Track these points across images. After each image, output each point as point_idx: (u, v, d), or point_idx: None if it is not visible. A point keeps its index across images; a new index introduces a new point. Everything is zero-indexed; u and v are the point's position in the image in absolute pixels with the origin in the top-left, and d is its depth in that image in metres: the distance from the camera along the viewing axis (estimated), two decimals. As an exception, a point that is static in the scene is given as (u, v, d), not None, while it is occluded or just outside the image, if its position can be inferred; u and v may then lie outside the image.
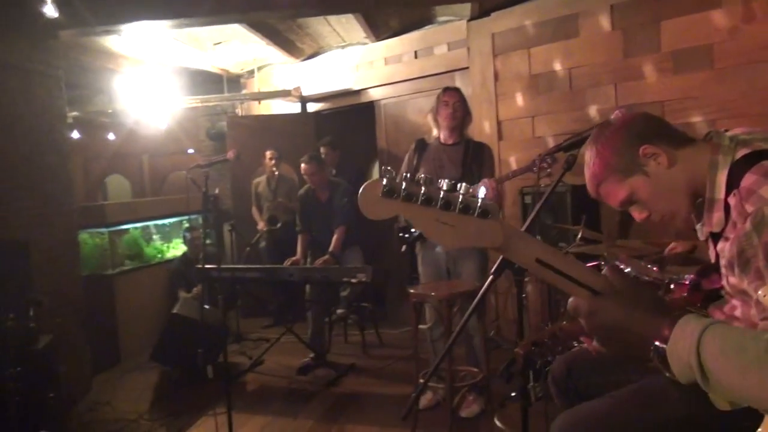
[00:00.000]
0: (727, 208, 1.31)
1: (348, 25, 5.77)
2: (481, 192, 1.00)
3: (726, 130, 1.43)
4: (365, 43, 6.24)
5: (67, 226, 4.50)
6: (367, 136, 6.57)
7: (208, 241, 5.73)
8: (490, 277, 1.98)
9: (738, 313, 1.40)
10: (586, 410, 1.64)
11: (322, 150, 5.93)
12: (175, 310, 4.95)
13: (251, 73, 7.32)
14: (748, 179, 1.25)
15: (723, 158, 1.34)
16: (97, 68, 6.20)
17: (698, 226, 1.45)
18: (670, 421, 1.52)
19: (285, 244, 5.56)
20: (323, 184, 4.98)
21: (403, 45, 5.93)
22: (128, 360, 5.34)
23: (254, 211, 6.41)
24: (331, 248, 4.79)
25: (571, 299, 1.10)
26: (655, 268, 2.62)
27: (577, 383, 1.88)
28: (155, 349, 4.74)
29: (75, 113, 7.24)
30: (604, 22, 4.27)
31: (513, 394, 3.39)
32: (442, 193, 0.97)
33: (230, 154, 4.26)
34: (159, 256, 6.40)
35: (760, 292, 1.14)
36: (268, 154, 6.19)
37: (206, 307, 4.73)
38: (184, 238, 6.11)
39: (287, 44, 6.24)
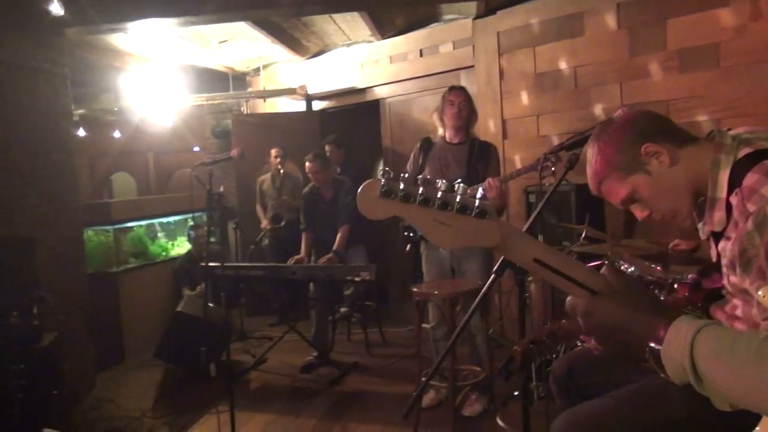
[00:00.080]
0: (728, 207, 1.30)
1: (353, 23, 5.77)
2: (479, 192, 0.99)
3: (729, 129, 1.42)
4: (371, 42, 6.24)
5: (73, 224, 4.52)
6: (372, 134, 6.57)
7: (212, 239, 5.74)
8: (492, 276, 1.99)
9: (739, 312, 1.39)
10: (587, 410, 1.64)
11: (327, 148, 5.94)
12: (179, 308, 4.96)
13: (257, 71, 7.32)
14: (750, 178, 1.24)
15: (725, 157, 1.33)
16: (103, 66, 6.21)
17: (700, 225, 1.44)
18: (670, 421, 1.52)
19: (289, 242, 5.56)
20: (328, 183, 4.98)
21: (409, 43, 5.92)
22: (132, 357, 5.36)
23: (258, 209, 6.42)
24: (335, 247, 4.79)
25: (569, 298, 1.10)
26: (658, 268, 2.61)
27: (578, 383, 1.87)
28: (159, 346, 4.75)
29: (81, 111, 7.28)
30: (610, 20, 4.25)
31: (516, 393, 3.38)
32: (439, 193, 0.97)
33: (234, 152, 4.27)
34: (164, 253, 6.42)
35: (759, 293, 1.14)
36: (273, 152, 6.20)
37: (210, 305, 4.74)
38: (189, 236, 6.13)
39: (293, 42, 6.24)
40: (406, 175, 0.99)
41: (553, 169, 3.01)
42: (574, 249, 3.37)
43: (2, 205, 3.92)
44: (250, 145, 6.48)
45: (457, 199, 0.97)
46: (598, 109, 4.33)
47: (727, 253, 1.34)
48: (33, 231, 4.02)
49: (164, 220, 6.66)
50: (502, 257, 1.27)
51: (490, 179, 3.44)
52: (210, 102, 7.26)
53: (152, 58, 6.45)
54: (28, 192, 4.10)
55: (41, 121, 4.24)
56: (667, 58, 4.01)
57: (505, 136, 4.89)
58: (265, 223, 6.27)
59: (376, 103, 6.39)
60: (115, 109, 7.41)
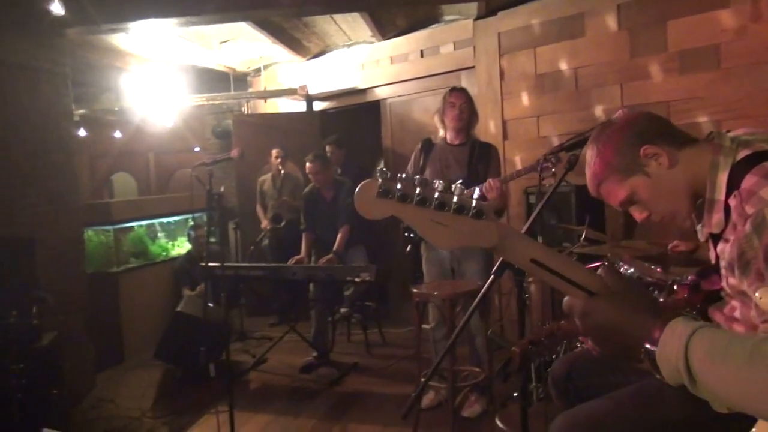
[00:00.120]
0: (727, 209, 1.30)
1: (354, 24, 5.77)
2: (476, 193, 1.00)
3: (728, 131, 1.42)
4: (371, 42, 6.24)
5: (73, 224, 4.52)
6: (373, 134, 6.57)
7: (212, 240, 5.74)
8: (491, 276, 1.99)
9: (738, 314, 1.39)
10: (585, 411, 1.63)
11: (327, 148, 5.94)
12: (179, 308, 4.96)
13: (257, 71, 7.33)
14: (748, 180, 1.24)
15: (724, 159, 1.33)
16: (104, 66, 6.22)
17: (698, 227, 1.44)
18: (668, 423, 1.52)
19: (289, 242, 5.56)
20: (328, 183, 4.98)
21: (410, 44, 5.92)
22: (132, 357, 5.36)
23: (258, 209, 6.42)
24: (335, 247, 4.79)
25: (565, 299, 1.10)
26: (658, 269, 2.61)
27: (577, 384, 1.87)
28: (159, 346, 4.75)
29: (82, 111, 7.29)
30: (611, 21, 4.25)
31: (515, 394, 3.38)
32: (436, 193, 0.97)
33: (234, 153, 4.26)
34: (164, 254, 6.42)
35: (757, 294, 1.13)
36: (274, 152, 6.20)
37: (210, 305, 4.74)
38: (189, 236, 6.13)
39: (293, 43, 6.25)
40: (404, 175, 0.99)
41: (553, 170, 3.01)
42: (574, 250, 3.37)
43: (2, 204, 3.92)
44: (250, 146, 6.48)
45: (454, 200, 0.97)
46: (599, 111, 4.32)
47: (725, 256, 1.34)
48: (33, 231, 4.02)
49: (164, 220, 6.66)
50: (501, 258, 1.26)
51: (490, 180, 3.44)
52: (211, 102, 7.27)
53: (153, 58, 6.45)
54: (28, 192, 4.10)
55: (42, 121, 4.24)
56: (667, 59, 4.01)
57: (505, 136, 4.89)
58: (265, 224, 6.27)
59: (376, 104, 6.39)
60: (116, 109, 7.41)
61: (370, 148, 6.90)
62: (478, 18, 5.03)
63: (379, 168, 1.01)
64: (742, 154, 1.31)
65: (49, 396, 3.42)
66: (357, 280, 4.37)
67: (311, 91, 6.85)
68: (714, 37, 3.80)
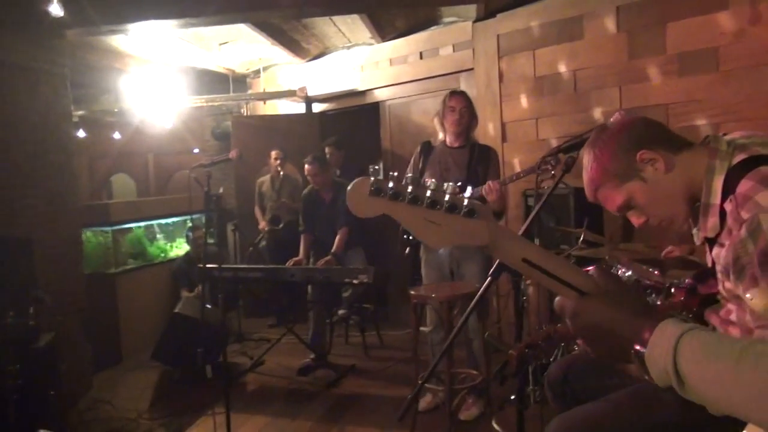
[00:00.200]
0: (722, 213, 1.30)
1: (353, 26, 5.77)
2: (468, 191, 0.99)
3: (725, 134, 1.42)
4: (371, 44, 6.24)
5: (71, 225, 4.52)
6: (372, 136, 6.57)
7: (210, 241, 5.74)
8: (488, 278, 1.98)
9: (733, 317, 1.39)
10: (581, 413, 1.63)
11: (327, 150, 5.94)
12: (177, 310, 4.96)
13: (257, 73, 7.33)
14: (744, 185, 1.24)
15: (720, 163, 1.33)
16: (104, 67, 6.22)
17: (694, 231, 1.44)
18: (664, 425, 1.51)
19: (287, 244, 5.56)
20: (327, 185, 4.97)
21: (409, 46, 5.92)
22: (130, 359, 5.36)
23: (257, 210, 6.42)
24: (333, 249, 4.78)
25: (557, 299, 1.10)
26: (656, 272, 2.60)
27: (574, 387, 1.87)
28: (156, 348, 4.75)
29: (81, 112, 7.29)
30: (610, 23, 4.25)
31: (512, 397, 3.38)
32: (428, 192, 0.97)
33: (233, 154, 4.28)
34: (162, 255, 6.42)
35: (748, 295, 1.13)
36: (273, 154, 6.20)
37: (208, 306, 4.73)
38: (187, 237, 6.12)
39: (293, 44, 6.25)
40: (396, 174, 0.99)
41: (553, 172, 3.01)
42: (572, 252, 3.37)
43: (1, 205, 3.92)
44: (249, 147, 6.48)
45: (446, 198, 0.97)
46: (598, 113, 4.32)
47: (721, 260, 1.34)
48: (31, 231, 4.02)
49: (163, 221, 6.66)
50: (498, 260, 1.26)
51: (490, 182, 3.44)
52: (210, 104, 7.27)
53: (152, 59, 6.45)
54: (27, 192, 4.10)
55: (41, 121, 4.24)
56: (666, 61, 4.01)
57: (504, 139, 4.88)
58: (262, 225, 6.27)
59: (375, 106, 6.39)
60: (115, 110, 7.41)
61: (370, 149, 6.90)
62: (477, 20, 5.02)
63: (371, 167, 1.01)
64: (738, 158, 1.31)
65: (46, 397, 3.41)
66: (355, 282, 4.36)
67: (310, 93, 6.85)
68: (713, 40, 3.79)
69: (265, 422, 3.85)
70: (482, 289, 2.01)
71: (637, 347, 1.00)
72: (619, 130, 1.48)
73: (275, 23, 5.57)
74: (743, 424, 1.11)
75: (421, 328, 3.62)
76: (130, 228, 6.09)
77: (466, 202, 0.97)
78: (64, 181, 4.46)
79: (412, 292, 3.43)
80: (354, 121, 7.04)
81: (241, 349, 5.41)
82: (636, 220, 1.50)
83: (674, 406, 1.44)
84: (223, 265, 4.87)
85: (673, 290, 2.35)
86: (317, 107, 7.07)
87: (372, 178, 0.98)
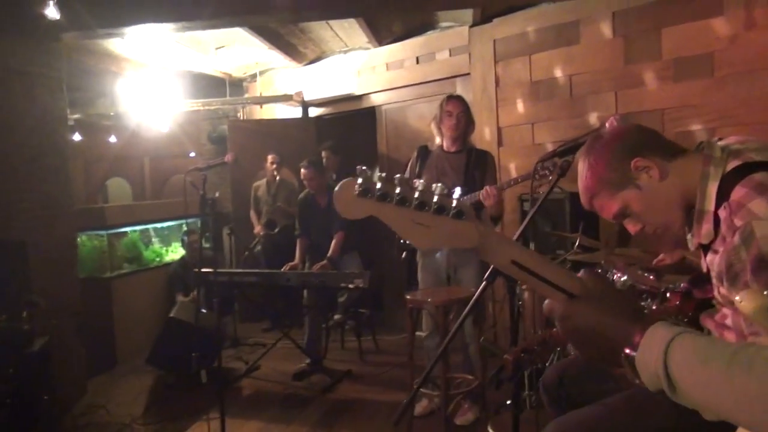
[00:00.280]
0: (716, 220, 1.30)
1: (350, 30, 5.77)
2: (457, 192, 0.98)
3: (719, 139, 1.42)
4: (367, 48, 6.24)
5: (67, 228, 4.50)
6: (369, 141, 6.56)
7: (206, 245, 5.72)
8: (483, 283, 1.98)
9: (729, 321, 1.39)
10: (576, 418, 1.63)
11: (323, 154, 5.93)
12: (172, 314, 4.94)
13: (253, 77, 7.33)
14: (737, 192, 1.24)
15: (714, 170, 1.33)
16: (100, 71, 6.21)
17: (689, 237, 1.44)
18: (659, 430, 1.51)
19: (283, 248, 5.55)
20: (322, 189, 4.97)
21: (405, 50, 5.93)
22: (124, 363, 5.33)
23: (252, 214, 6.42)
24: (329, 253, 4.77)
25: (546, 302, 1.08)
26: (651, 277, 2.60)
27: (569, 391, 1.86)
28: (151, 352, 4.73)
29: (77, 116, 7.26)
30: (605, 29, 4.26)
31: (508, 402, 3.37)
32: (417, 193, 0.96)
33: (228, 157, 4.26)
34: (158, 259, 6.40)
35: (737, 298, 1.13)
36: (269, 158, 6.20)
37: (203, 311, 4.72)
38: (183, 241, 6.11)
39: (289, 48, 6.25)
40: (384, 175, 0.97)
41: (551, 177, 3.01)
42: (567, 257, 3.37)
43: (-4, 208, 3.91)
44: (246, 151, 6.47)
45: (435, 200, 0.96)
46: (593, 118, 4.33)
47: (715, 267, 1.34)
48: (26, 235, 4.00)
49: (158, 225, 6.64)
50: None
51: (487, 187, 3.44)
52: (206, 108, 7.26)
53: (149, 63, 6.44)
54: (22, 196, 4.08)
55: (37, 125, 4.22)
56: (661, 67, 4.02)
57: (500, 143, 4.89)
58: (258, 229, 6.26)
59: (372, 110, 6.39)
60: (111, 114, 7.39)
61: (366, 154, 6.88)
62: (473, 25, 5.04)
63: (359, 167, 0.99)
64: (732, 164, 1.31)
65: (39, 401, 3.39)
66: (351, 286, 4.35)
67: (307, 97, 6.84)
68: (708, 45, 3.81)
69: (260, 427, 3.84)
70: (477, 293, 2.01)
71: (627, 351, 0.99)
72: (612, 139, 1.48)
73: (272, 27, 5.57)
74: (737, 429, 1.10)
75: (417, 333, 3.62)
76: (126, 232, 6.07)
77: (454, 203, 0.96)
78: (60, 184, 4.45)
79: (408, 297, 3.42)
80: (350, 126, 7.04)
81: (236, 354, 5.39)
82: (632, 227, 1.50)
83: (669, 411, 1.44)
84: (219, 270, 4.86)
85: (668, 295, 2.35)
86: (314, 111, 7.06)
87: (359, 179, 0.96)
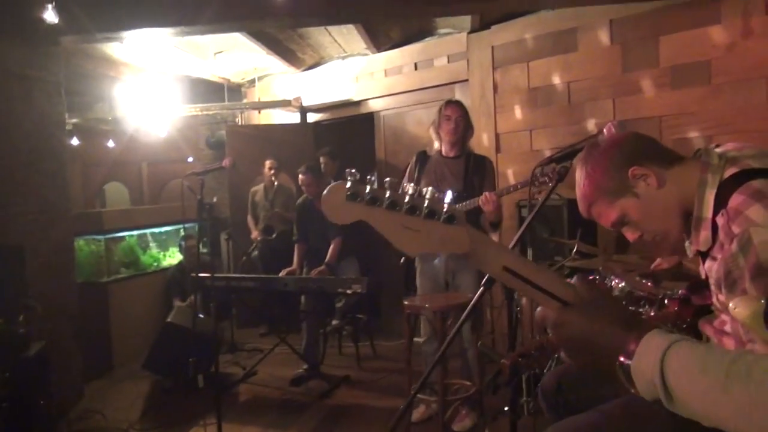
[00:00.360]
0: (714, 227, 1.30)
1: (349, 36, 5.79)
2: (448, 196, 0.97)
3: (717, 146, 1.43)
4: (366, 54, 6.26)
5: (64, 233, 4.48)
6: (367, 147, 6.57)
7: (204, 250, 5.71)
8: (481, 288, 1.98)
9: (728, 328, 1.39)
10: (574, 424, 1.62)
11: (321, 160, 5.94)
12: (169, 319, 4.93)
13: (252, 82, 7.34)
14: (735, 199, 1.25)
15: (711, 177, 1.33)
16: (98, 75, 6.21)
17: (687, 244, 1.44)
18: (658, 437, 1.50)
19: (280, 253, 5.54)
20: (320, 195, 4.95)
21: (404, 56, 5.94)
22: (121, 368, 5.32)
23: (249, 219, 6.42)
24: (327, 259, 4.77)
25: (538, 309, 1.07)
26: (649, 283, 2.60)
27: (568, 397, 1.86)
28: (148, 357, 4.71)
29: (75, 120, 7.26)
30: (603, 36, 4.28)
31: (506, 408, 3.37)
32: (407, 197, 0.94)
33: (226, 162, 4.25)
34: (155, 264, 6.38)
35: (731, 305, 1.12)
36: (267, 163, 6.20)
37: (200, 316, 4.71)
38: (180, 246, 6.10)
39: (288, 54, 6.26)
40: (373, 178, 0.96)
41: (550, 184, 3.02)
42: (565, 264, 3.37)
43: (-7, 212, 3.90)
44: (244, 156, 6.47)
45: (425, 204, 0.94)
46: (591, 125, 4.34)
47: (713, 274, 1.34)
48: (23, 239, 3.99)
49: (156, 230, 6.63)
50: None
51: (486, 193, 3.44)
52: (205, 113, 7.27)
53: (147, 67, 6.45)
54: (19, 200, 4.07)
55: (34, 129, 4.22)
56: (659, 74, 4.04)
57: (498, 150, 4.90)
58: (255, 234, 6.25)
59: (370, 116, 6.40)
60: (110, 118, 7.39)
61: (364, 160, 6.89)
62: (471, 31, 5.05)
63: (347, 170, 0.96)
64: (730, 171, 1.31)
65: (35, 406, 3.37)
66: (348, 292, 4.35)
67: (305, 103, 6.86)
68: (705, 53, 3.83)
69: (257, 433, 3.83)
70: (475, 298, 2.01)
71: (622, 359, 0.98)
72: (610, 147, 1.49)
73: (270, 33, 5.58)
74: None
75: (415, 339, 3.61)
76: (123, 236, 6.06)
77: (446, 207, 0.94)
78: (57, 188, 4.44)
79: (406, 302, 3.42)
80: (348, 132, 7.05)
81: (233, 359, 5.38)
82: (630, 235, 1.50)
83: (667, 417, 1.43)
84: (216, 275, 4.85)
85: (666, 301, 2.35)
86: (312, 117, 7.07)
87: (348, 183, 0.95)
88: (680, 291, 1.80)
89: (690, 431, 1.29)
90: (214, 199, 7.20)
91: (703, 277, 1.46)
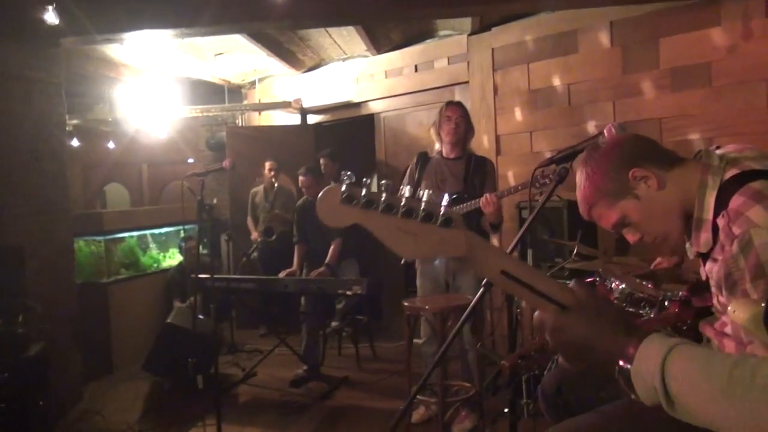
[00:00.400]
0: (715, 229, 1.30)
1: (349, 38, 5.79)
2: (445, 199, 0.95)
3: (717, 148, 1.43)
4: (366, 56, 6.26)
5: (64, 234, 4.48)
6: (367, 148, 6.57)
7: (204, 251, 5.71)
8: (481, 289, 1.98)
9: (728, 330, 1.39)
10: (573, 425, 1.62)
11: (321, 161, 5.93)
12: (169, 320, 4.92)
13: (252, 84, 7.34)
14: (735, 201, 1.24)
15: (712, 179, 1.33)
16: (99, 76, 6.21)
17: (687, 245, 1.44)
18: (658, 439, 1.50)
19: (280, 254, 5.54)
20: (320, 196, 4.95)
21: (404, 58, 5.94)
22: (121, 369, 5.31)
23: (249, 221, 6.41)
24: (327, 260, 4.77)
25: (536, 314, 1.06)
26: (649, 285, 2.60)
27: (567, 398, 1.86)
28: (148, 358, 4.71)
29: (75, 121, 7.26)
30: (604, 38, 4.28)
31: (506, 410, 3.36)
32: (403, 200, 0.92)
33: (226, 163, 4.25)
34: (155, 265, 6.38)
35: (729, 308, 1.12)
36: (267, 165, 6.20)
37: (200, 317, 4.70)
38: (180, 247, 6.09)
39: (288, 56, 6.26)
40: (369, 181, 0.95)
41: (551, 186, 3.01)
42: (566, 265, 3.37)
43: (-7, 213, 3.90)
44: (244, 158, 6.47)
45: (422, 207, 0.92)
46: (591, 126, 4.34)
47: (714, 275, 1.34)
48: (23, 240, 3.99)
49: (156, 231, 6.62)
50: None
51: (487, 195, 3.44)
52: (205, 114, 7.26)
53: (148, 69, 6.45)
54: (19, 201, 4.08)
55: (34, 130, 4.22)
56: (659, 76, 4.04)
57: (498, 152, 4.90)
58: (254, 236, 6.25)
59: (370, 118, 6.40)
60: (110, 119, 7.39)
61: (364, 161, 6.90)
62: (472, 33, 5.06)
63: (343, 172, 0.95)
64: (730, 173, 1.31)
65: (34, 407, 3.37)
66: (348, 293, 4.34)
67: (305, 104, 6.86)
68: (705, 55, 3.83)
69: (256, 434, 3.82)
70: (475, 299, 2.01)
71: (622, 363, 0.98)
72: (610, 149, 1.48)
73: (271, 34, 5.58)
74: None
75: (415, 341, 3.61)
76: (123, 237, 6.05)
77: (443, 210, 0.92)
78: (57, 189, 4.44)
79: (406, 304, 3.42)
80: (349, 133, 7.05)
81: (233, 360, 5.37)
82: (631, 237, 1.50)
83: (667, 419, 1.44)
84: (216, 276, 4.85)
85: (666, 303, 2.35)
86: (312, 119, 7.08)
87: (344, 186, 0.93)
88: (681, 293, 1.80)
89: (690, 432, 1.30)
90: (214, 201, 7.20)
91: (704, 278, 1.46)
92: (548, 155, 4.50)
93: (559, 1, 4.31)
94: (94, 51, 5.63)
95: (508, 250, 2.06)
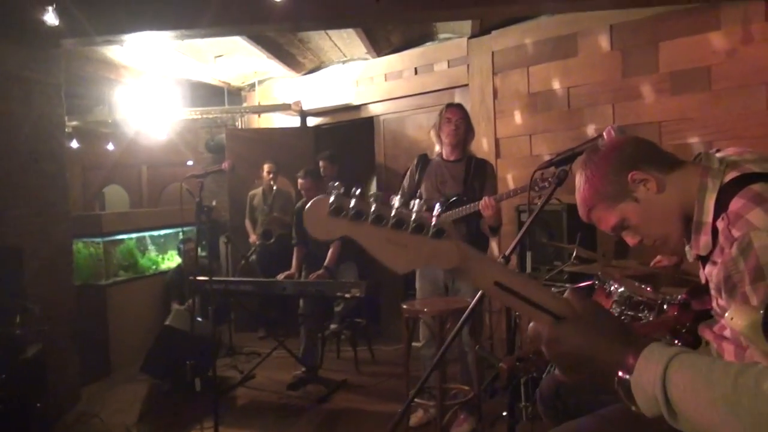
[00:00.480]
0: (714, 232, 1.30)
1: (349, 41, 5.79)
2: (437, 209, 0.93)
3: (717, 150, 1.42)
4: (366, 59, 6.26)
5: (62, 235, 4.48)
6: (366, 151, 6.57)
7: (203, 253, 5.70)
8: (480, 292, 1.97)
9: (727, 333, 1.38)
10: (572, 428, 1.61)
11: (321, 164, 5.93)
12: (167, 322, 4.91)
13: (252, 86, 7.34)
14: (735, 203, 1.24)
15: (712, 181, 1.33)
16: (98, 78, 6.21)
17: (687, 248, 1.44)
18: (657, 442, 1.49)
19: (279, 257, 5.53)
20: (320, 199, 4.95)
21: (404, 61, 5.94)
22: (119, 371, 5.29)
23: (247, 223, 6.40)
24: (326, 263, 4.76)
25: (531, 325, 1.05)
26: (648, 288, 2.60)
27: (566, 402, 1.85)
28: (146, 360, 4.70)
29: (75, 123, 7.26)
30: (603, 42, 4.29)
31: (504, 413, 3.36)
32: (393, 211, 0.90)
33: (225, 165, 4.25)
34: (154, 267, 6.37)
35: (727, 314, 1.11)
36: (266, 167, 6.19)
37: (198, 319, 4.69)
38: (179, 249, 6.09)
39: (288, 58, 6.27)
40: (358, 191, 0.92)
41: (550, 189, 3.01)
42: (565, 268, 3.36)
43: (-9, 214, 3.89)
44: (244, 160, 6.47)
45: (413, 218, 0.90)
46: (591, 130, 4.34)
47: (713, 278, 1.33)
48: (22, 241, 3.99)
49: (155, 233, 6.62)
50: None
51: (486, 198, 3.43)
52: (205, 116, 7.26)
53: (148, 71, 6.45)
54: (18, 202, 4.07)
55: (34, 131, 4.22)
56: (659, 80, 4.04)
57: (498, 154, 4.90)
58: (253, 238, 6.24)
59: (370, 120, 6.40)
60: (110, 121, 7.38)
61: (364, 164, 6.90)
62: (472, 36, 5.07)
63: (332, 183, 0.91)
64: (730, 176, 1.31)
65: (32, 409, 3.36)
66: (347, 296, 4.34)
67: (305, 107, 6.85)
68: (705, 59, 3.83)
69: (254, 437, 3.81)
70: (473, 302, 2.00)
71: (621, 374, 0.96)
72: (609, 152, 1.48)
73: (271, 37, 5.58)
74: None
75: (413, 344, 3.60)
76: (122, 239, 6.05)
77: (434, 221, 0.90)
78: (56, 191, 4.43)
79: (404, 307, 3.41)
80: (348, 136, 7.04)
81: (231, 363, 5.36)
82: (631, 240, 1.49)
83: (666, 424, 1.43)
84: (215, 278, 4.84)
85: (665, 306, 2.34)
86: (312, 121, 7.07)
87: (331, 197, 0.90)
88: (680, 296, 1.79)
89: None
90: (213, 203, 7.19)
91: (703, 281, 1.46)
92: (547, 158, 4.51)
93: (559, 4, 4.31)
94: (94, 52, 5.63)
95: (507, 253, 2.06)
